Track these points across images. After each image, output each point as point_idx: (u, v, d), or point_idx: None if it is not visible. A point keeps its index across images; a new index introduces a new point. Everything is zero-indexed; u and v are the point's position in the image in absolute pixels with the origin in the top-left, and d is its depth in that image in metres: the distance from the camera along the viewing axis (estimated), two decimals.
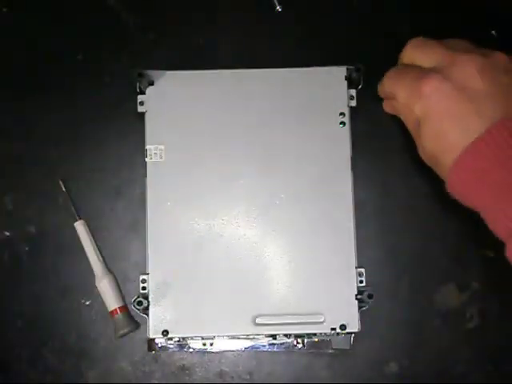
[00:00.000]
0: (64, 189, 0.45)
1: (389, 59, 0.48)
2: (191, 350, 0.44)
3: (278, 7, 0.48)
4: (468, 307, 0.46)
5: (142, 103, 0.45)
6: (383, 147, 0.47)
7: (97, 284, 0.44)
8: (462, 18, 0.48)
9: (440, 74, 0.38)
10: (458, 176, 0.37)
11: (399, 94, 0.40)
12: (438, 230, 0.46)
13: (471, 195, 0.37)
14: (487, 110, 0.36)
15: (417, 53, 0.41)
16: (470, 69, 0.37)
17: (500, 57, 0.39)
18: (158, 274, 0.43)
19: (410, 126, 0.41)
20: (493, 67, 0.38)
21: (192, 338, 0.44)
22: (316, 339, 0.45)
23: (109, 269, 0.45)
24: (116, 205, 0.46)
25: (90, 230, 0.45)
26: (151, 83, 0.45)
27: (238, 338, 0.44)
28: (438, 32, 0.48)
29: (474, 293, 0.46)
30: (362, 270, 0.44)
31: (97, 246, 0.45)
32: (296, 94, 0.45)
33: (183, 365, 0.45)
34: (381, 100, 0.47)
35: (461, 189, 0.37)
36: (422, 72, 0.39)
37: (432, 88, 0.37)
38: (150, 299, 0.43)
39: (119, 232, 0.46)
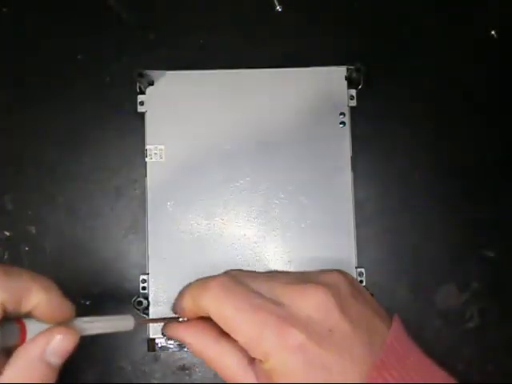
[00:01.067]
0: None
1: (389, 59, 0.48)
2: None
3: (278, 7, 0.48)
4: (468, 307, 0.46)
5: (142, 103, 0.45)
6: (383, 147, 0.47)
7: None
8: (462, 18, 0.48)
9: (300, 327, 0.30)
10: None
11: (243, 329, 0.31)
12: (438, 230, 0.46)
13: None
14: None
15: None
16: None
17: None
18: (158, 274, 0.43)
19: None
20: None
21: None
22: None
23: None
24: (116, 205, 0.46)
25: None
26: (151, 83, 0.45)
27: None
28: (438, 32, 0.48)
29: (473, 293, 0.46)
30: (362, 269, 0.44)
31: None
32: (296, 93, 0.45)
33: (183, 365, 0.45)
34: (381, 100, 0.47)
35: None
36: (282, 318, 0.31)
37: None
38: (149, 299, 0.43)
39: (119, 232, 0.46)
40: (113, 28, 0.48)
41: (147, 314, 0.43)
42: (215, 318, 0.32)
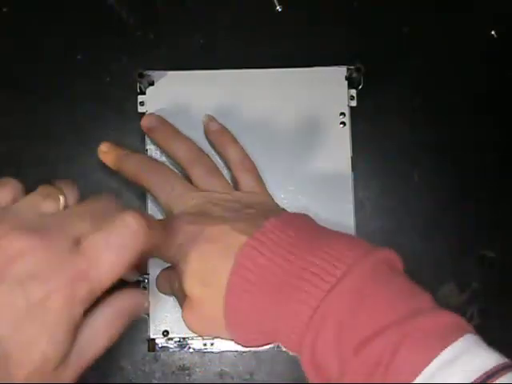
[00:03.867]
0: None
1: (389, 59, 0.48)
2: (191, 350, 0.44)
3: (277, 7, 0.48)
4: (468, 307, 0.46)
5: (142, 103, 0.45)
6: (383, 147, 0.47)
7: None
8: (462, 18, 0.48)
9: None
10: (238, 287, 0.34)
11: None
12: (438, 230, 0.46)
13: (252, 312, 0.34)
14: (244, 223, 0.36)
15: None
16: None
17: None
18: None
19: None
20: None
21: (192, 338, 0.43)
22: None
23: None
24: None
25: None
26: (151, 83, 0.45)
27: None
28: (438, 32, 0.48)
29: (473, 293, 0.46)
30: None
31: None
32: (296, 94, 0.45)
33: (183, 365, 0.45)
34: (381, 100, 0.47)
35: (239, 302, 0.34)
36: None
37: None
38: (150, 299, 0.43)
39: None
40: (113, 28, 0.48)
41: (147, 315, 0.43)
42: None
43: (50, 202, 0.31)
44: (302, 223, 0.36)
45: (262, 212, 0.38)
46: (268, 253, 0.33)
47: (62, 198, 0.32)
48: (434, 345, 0.29)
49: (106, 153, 0.42)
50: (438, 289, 0.46)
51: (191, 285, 0.35)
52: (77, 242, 0.29)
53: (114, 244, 0.30)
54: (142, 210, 0.44)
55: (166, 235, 0.36)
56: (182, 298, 0.37)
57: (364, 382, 0.30)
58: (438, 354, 0.29)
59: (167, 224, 0.38)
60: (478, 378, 0.28)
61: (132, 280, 0.38)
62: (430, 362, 0.29)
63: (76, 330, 0.30)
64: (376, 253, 0.33)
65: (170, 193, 0.39)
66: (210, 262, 0.35)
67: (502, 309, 0.46)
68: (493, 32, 0.48)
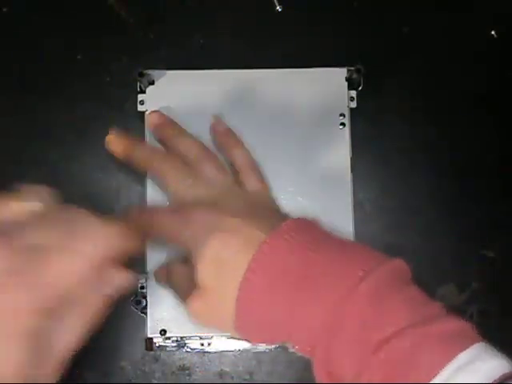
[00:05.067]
0: None
1: (389, 59, 0.48)
2: (189, 349, 0.44)
3: (277, 7, 0.48)
4: (468, 307, 0.46)
5: (142, 102, 0.45)
6: (383, 148, 0.47)
7: None
8: (462, 18, 0.48)
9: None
10: (254, 281, 0.34)
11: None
12: (438, 229, 0.46)
13: (265, 306, 0.34)
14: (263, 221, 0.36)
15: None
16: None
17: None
18: None
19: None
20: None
21: (190, 338, 0.44)
22: None
23: None
24: (116, 205, 0.46)
25: None
26: (151, 83, 0.45)
27: (237, 338, 0.44)
28: (438, 32, 0.48)
29: (473, 293, 0.46)
30: None
31: None
32: (296, 94, 0.45)
33: (183, 365, 0.45)
34: (381, 100, 0.47)
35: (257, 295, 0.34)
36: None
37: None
38: (147, 299, 0.43)
39: None
40: (113, 28, 0.48)
41: (145, 314, 0.43)
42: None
43: (20, 205, 0.31)
44: (317, 228, 0.37)
45: (270, 212, 0.38)
46: (286, 253, 0.33)
47: (33, 203, 0.31)
48: (452, 348, 0.30)
49: (116, 139, 0.42)
50: (437, 289, 0.46)
51: (206, 272, 0.35)
52: (41, 249, 0.29)
53: (80, 251, 0.29)
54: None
55: (177, 221, 0.37)
56: (187, 286, 0.37)
57: (382, 381, 0.30)
58: (456, 356, 0.29)
59: (179, 210, 0.38)
60: (496, 379, 0.29)
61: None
62: (448, 364, 0.29)
63: (44, 336, 0.29)
64: (390, 262, 0.33)
65: (182, 182, 0.39)
66: (231, 252, 0.34)
67: (502, 309, 0.46)
68: (493, 32, 0.48)
